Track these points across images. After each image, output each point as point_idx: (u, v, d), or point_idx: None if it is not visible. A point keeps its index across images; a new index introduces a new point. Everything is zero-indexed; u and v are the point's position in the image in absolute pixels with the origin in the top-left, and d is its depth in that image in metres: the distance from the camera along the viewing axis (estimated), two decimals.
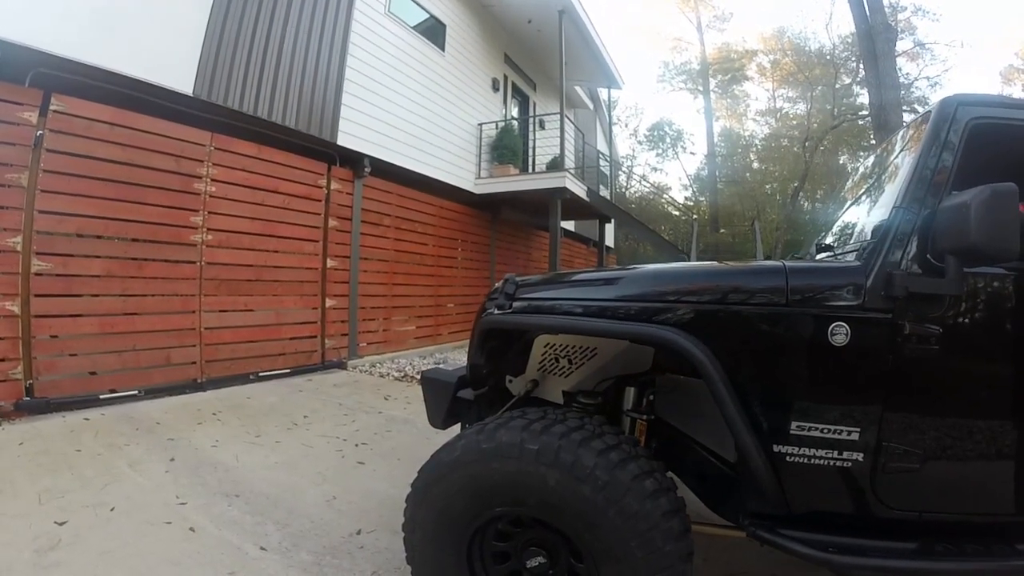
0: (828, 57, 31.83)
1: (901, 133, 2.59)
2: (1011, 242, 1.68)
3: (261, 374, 7.19)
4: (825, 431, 1.92)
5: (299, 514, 3.39)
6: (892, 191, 2.13)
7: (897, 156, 2.44)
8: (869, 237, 2.09)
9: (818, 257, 2.79)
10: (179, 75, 6.06)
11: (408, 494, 2.17)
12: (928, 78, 29.20)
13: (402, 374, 8.24)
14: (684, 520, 1.91)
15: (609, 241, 19.95)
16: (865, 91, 16.14)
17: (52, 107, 5.15)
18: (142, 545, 2.92)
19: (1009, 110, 2.07)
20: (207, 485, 3.76)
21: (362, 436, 5.06)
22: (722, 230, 32.83)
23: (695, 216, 31.04)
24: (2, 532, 2.94)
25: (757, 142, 37.76)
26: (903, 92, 21.76)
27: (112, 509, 3.31)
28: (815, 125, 31.85)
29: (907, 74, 28.10)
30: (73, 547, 2.85)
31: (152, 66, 5.79)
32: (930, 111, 2.14)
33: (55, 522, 3.09)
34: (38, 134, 5.06)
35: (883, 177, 2.56)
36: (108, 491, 3.55)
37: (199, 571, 2.71)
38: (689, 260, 15.70)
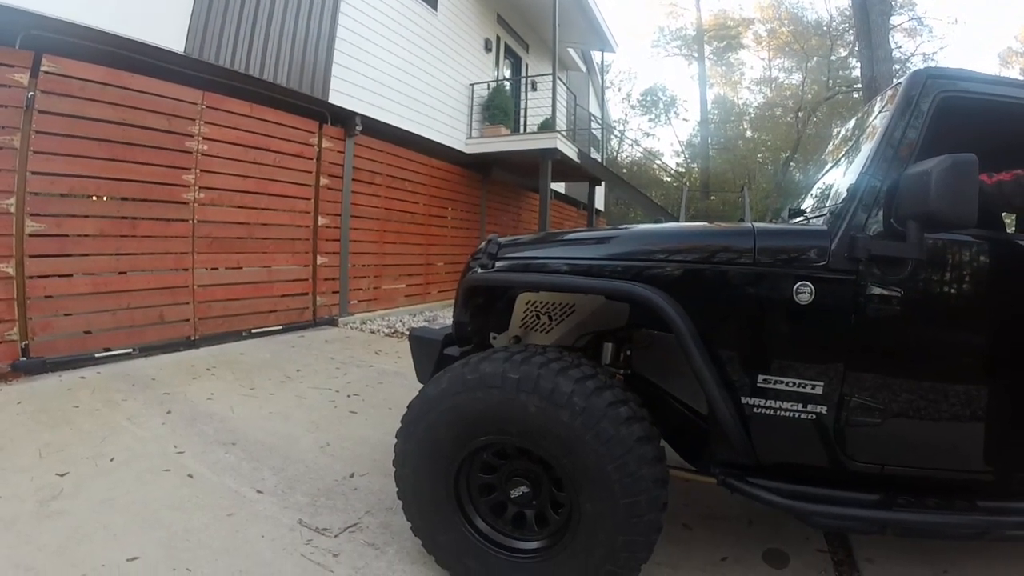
0: (825, 28, 31.58)
1: (875, 103, 2.67)
2: (969, 209, 1.76)
3: (254, 331, 7.27)
4: (790, 384, 2.02)
5: (294, 460, 3.52)
6: (862, 159, 2.20)
7: (870, 125, 2.52)
8: (838, 202, 2.17)
9: (791, 222, 2.90)
10: (170, 33, 6.02)
11: (398, 429, 2.29)
12: (924, 54, 29.02)
13: (392, 331, 8.35)
14: (658, 447, 2.02)
15: (599, 204, 19.95)
16: (859, 64, 16.11)
17: (43, 68, 5.12)
18: (143, 492, 3.02)
19: (977, 84, 2.13)
20: (204, 435, 3.87)
21: (354, 388, 5.19)
22: (712, 197, 32.82)
23: (686, 182, 31.03)
24: (5, 485, 3.01)
25: (751, 111, 37.60)
26: (899, 67, 21.67)
27: (112, 460, 3.40)
28: (809, 96, 31.76)
29: (902, 48, 27.94)
30: (75, 496, 2.94)
31: (143, 25, 5.75)
32: (902, 82, 2.22)
33: (56, 474, 3.17)
34: (29, 95, 5.03)
35: (855, 145, 2.64)
36: (107, 443, 3.64)
37: (199, 513, 2.83)
38: None
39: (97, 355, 5.59)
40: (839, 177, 2.55)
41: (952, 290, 2.08)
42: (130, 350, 5.87)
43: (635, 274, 2.15)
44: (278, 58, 7.37)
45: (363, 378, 5.56)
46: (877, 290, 1.98)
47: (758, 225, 2.18)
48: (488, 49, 13.15)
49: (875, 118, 2.46)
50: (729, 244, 2.14)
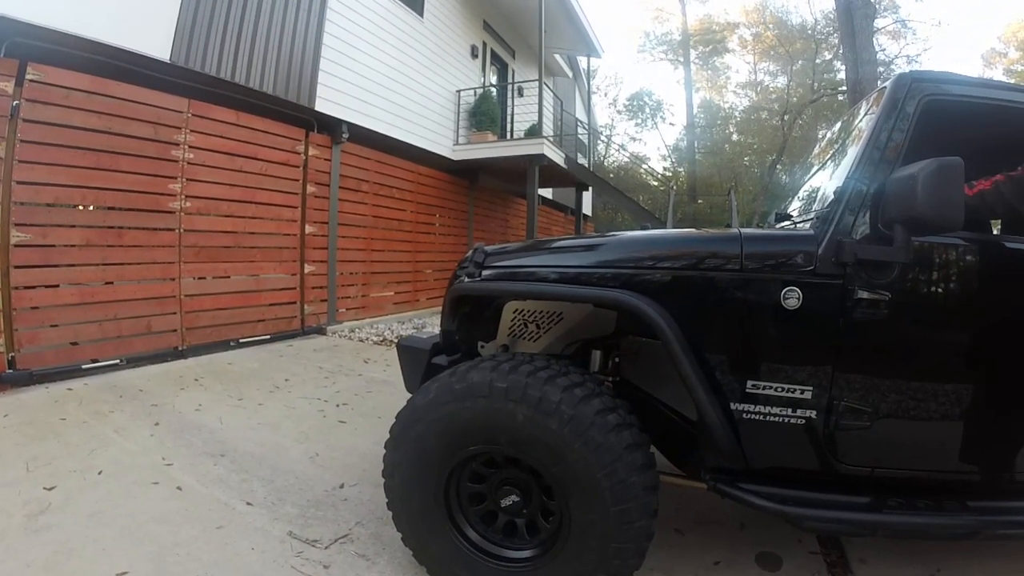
0: (810, 32, 31.90)
1: (860, 106, 2.68)
2: (955, 212, 1.77)
3: (242, 340, 7.22)
4: (779, 390, 2.03)
5: (283, 471, 3.50)
6: (848, 163, 2.21)
7: (855, 128, 2.53)
8: (824, 206, 2.18)
9: (777, 226, 2.91)
10: (156, 41, 6.00)
11: (387, 440, 2.28)
12: (908, 56, 29.32)
13: (381, 338, 8.32)
14: (647, 454, 2.02)
15: (587, 209, 20.01)
16: (844, 67, 16.29)
17: (28, 76, 5.08)
18: (131, 505, 3.00)
19: (962, 87, 2.14)
20: (192, 446, 3.84)
21: (343, 397, 5.17)
22: (699, 200, 32.98)
23: (673, 186, 31.16)
24: None
25: (736, 114, 37.83)
26: (883, 69, 21.88)
27: (100, 473, 3.37)
28: (794, 99, 32.02)
29: (886, 51, 28.19)
30: (63, 510, 2.91)
31: (129, 33, 5.73)
32: (887, 86, 2.23)
33: (44, 488, 3.14)
34: (14, 104, 4.99)
35: (841, 148, 2.66)
36: (95, 456, 3.61)
37: (188, 527, 2.80)
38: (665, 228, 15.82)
39: (84, 366, 5.54)
40: (825, 181, 2.56)
41: (939, 293, 2.09)
42: (117, 361, 5.82)
43: (622, 282, 2.15)
44: (264, 65, 7.36)
45: (352, 387, 5.55)
46: (864, 294, 1.99)
47: (745, 231, 2.19)
48: (475, 55, 13.16)
49: (860, 121, 2.47)
50: (716, 250, 2.15)
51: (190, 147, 6.52)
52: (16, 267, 5.09)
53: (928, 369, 2.10)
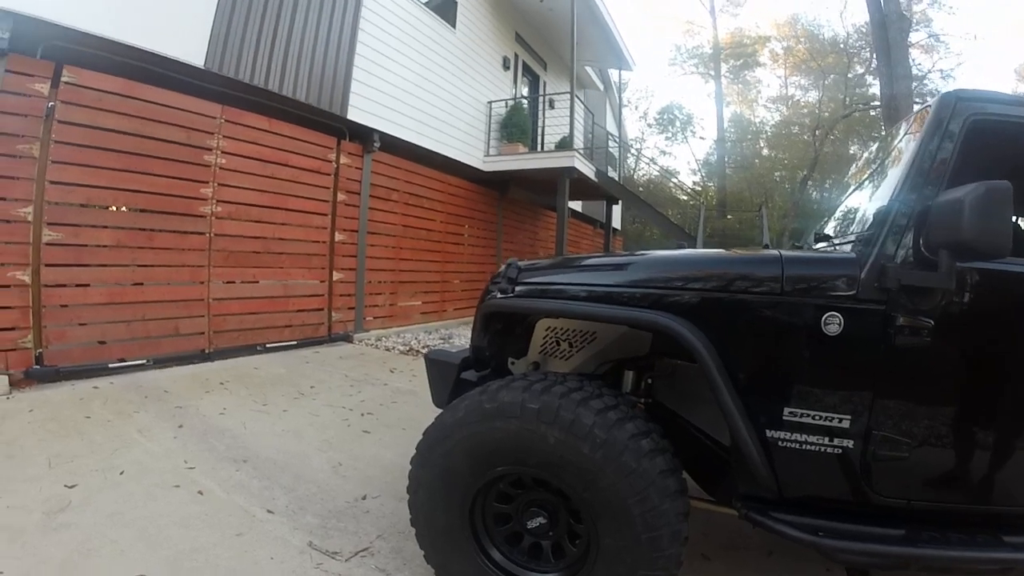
0: (842, 46, 31.51)
1: (902, 126, 2.61)
2: (1003, 238, 1.70)
3: (268, 345, 7.26)
4: (816, 418, 1.97)
5: (305, 479, 3.49)
6: (890, 184, 2.14)
7: (895, 148, 2.47)
8: (866, 228, 2.12)
9: (816, 247, 2.84)
10: (191, 47, 6.08)
11: (412, 456, 2.24)
12: (941, 71, 28.86)
13: (407, 348, 8.32)
14: (680, 480, 1.97)
15: (616, 223, 19.93)
16: (877, 81, 16.07)
17: (63, 79, 5.16)
18: (151, 507, 3.00)
19: (1009, 107, 2.07)
20: (215, 451, 3.84)
21: (368, 406, 5.15)
22: (729, 216, 32.70)
23: (703, 201, 30.91)
24: (13, 495, 3.01)
25: (767, 129, 37.47)
26: (916, 84, 21.56)
27: (121, 473, 3.38)
28: (826, 114, 31.63)
29: (919, 65, 27.80)
30: (83, 509, 2.92)
31: (164, 38, 5.81)
32: (930, 105, 2.17)
33: (65, 485, 3.16)
34: (49, 105, 5.08)
35: (883, 169, 2.59)
36: (117, 456, 3.63)
37: (207, 532, 2.79)
38: (695, 245, 15.71)
39: (111, 365, 5.60)
40: (866, 202, 2.50)
41: (985, 321, 2.01)
42: (144, 361, 5.87)
43: (657, 302, 2.11)
44: (297, 73, 7.42)
45: (377, 396, 5.53)
46: (907, 320, 1.92)
47: (785, 252, 2.12)
48: (506, 67, 13.20)
49: (901, 141, 2.41)
50: (756, 272, 2.08)
51: (222, 152, 6.58)
52: (47, 265, 5.16)
53: (971, 400, 2.03)
